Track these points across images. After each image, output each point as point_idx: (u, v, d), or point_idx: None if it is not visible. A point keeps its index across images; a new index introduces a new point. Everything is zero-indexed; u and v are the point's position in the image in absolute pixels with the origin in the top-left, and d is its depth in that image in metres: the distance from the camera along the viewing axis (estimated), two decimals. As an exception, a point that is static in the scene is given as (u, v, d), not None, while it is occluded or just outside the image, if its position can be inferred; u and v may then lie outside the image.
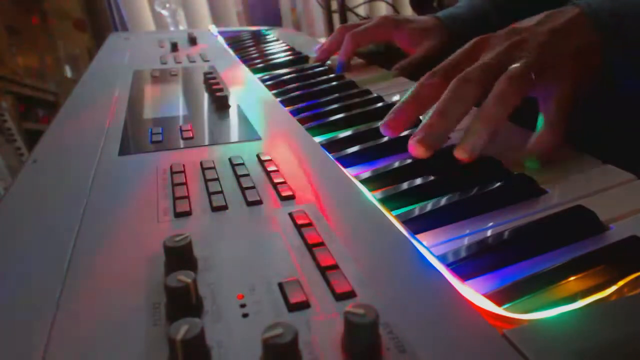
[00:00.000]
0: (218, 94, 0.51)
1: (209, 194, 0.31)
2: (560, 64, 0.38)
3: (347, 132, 0.47)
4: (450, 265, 0.27)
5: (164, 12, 1.92)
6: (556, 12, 0.42)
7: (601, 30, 0.39)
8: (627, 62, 0.40)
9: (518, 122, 0.45)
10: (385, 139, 0.44)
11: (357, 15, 1.60)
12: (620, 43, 0.39)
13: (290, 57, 0.80)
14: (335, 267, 0.23)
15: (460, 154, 0.37)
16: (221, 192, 0.31)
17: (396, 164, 0.40)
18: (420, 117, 0.44)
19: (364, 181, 0.36)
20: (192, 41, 0.90)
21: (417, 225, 0.31)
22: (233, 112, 0.48)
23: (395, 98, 0.56)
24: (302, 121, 0.50)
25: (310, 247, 0.25)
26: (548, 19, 0.41)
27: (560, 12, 0.41)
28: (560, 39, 0.39)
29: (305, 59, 0.78)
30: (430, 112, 0.39)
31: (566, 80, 0.38)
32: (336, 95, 0.59)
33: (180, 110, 0.50)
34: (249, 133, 0.42)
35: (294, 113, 0.53)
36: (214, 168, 0.34)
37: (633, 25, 0.39)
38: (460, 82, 0.38)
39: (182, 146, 0.39)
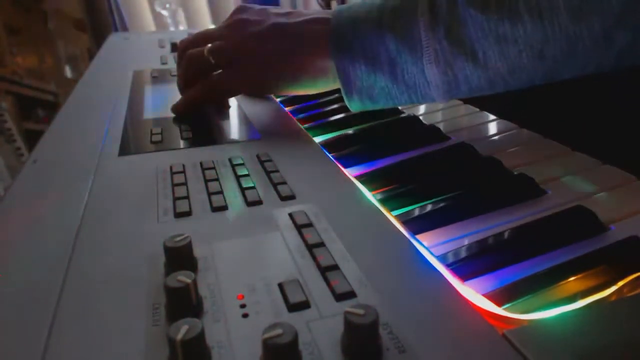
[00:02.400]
0: (218, 94, 0.51)
1: (209, 194, 0.31)
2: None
3: (347, 132, 0.47)
4: (450, 266, 0.27)
5: (164, 12, 1.92)
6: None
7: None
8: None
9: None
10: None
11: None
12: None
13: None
14: (335, 267, 0.23)
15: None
16: (221, 192, 0.31)
17: (396, 164, 0.40)
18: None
19: (364, 181, 0.36)
20: (192, 41, 0.90)
21: (417, 225, 0.31)
22: (233, 112, 0.49)
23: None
24: (302, 121, 0.50)
25: (310, 248, 0.25)
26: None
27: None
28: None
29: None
30: None
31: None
32: (336, 95, 0.59)
33: (180, 111, 0.49)
34: (249, 133, 0.42)
35: (294, 113, 0.53)
36: (214, 168, 0.34)
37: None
38: None
39: (182, 146, 0.39)
